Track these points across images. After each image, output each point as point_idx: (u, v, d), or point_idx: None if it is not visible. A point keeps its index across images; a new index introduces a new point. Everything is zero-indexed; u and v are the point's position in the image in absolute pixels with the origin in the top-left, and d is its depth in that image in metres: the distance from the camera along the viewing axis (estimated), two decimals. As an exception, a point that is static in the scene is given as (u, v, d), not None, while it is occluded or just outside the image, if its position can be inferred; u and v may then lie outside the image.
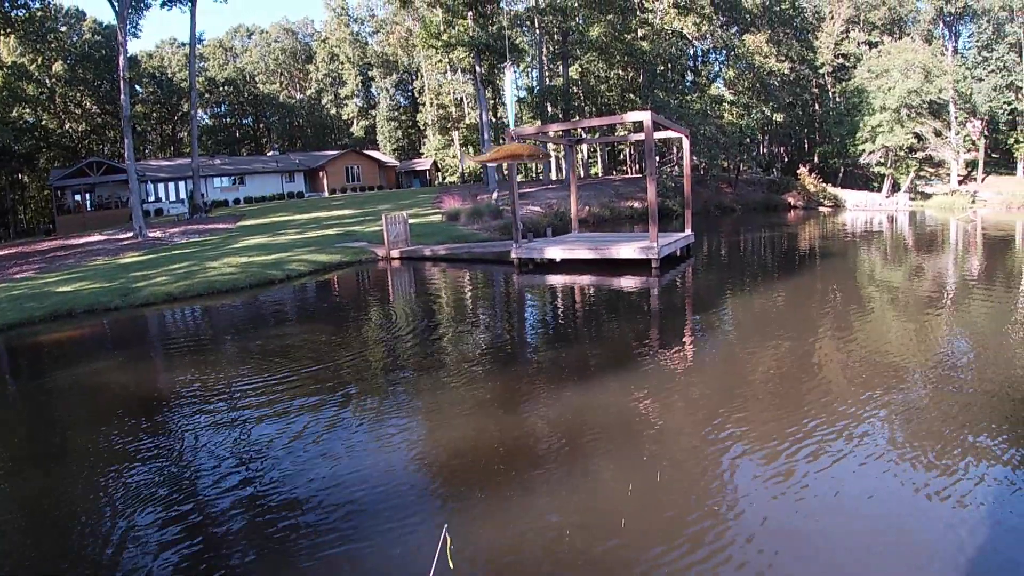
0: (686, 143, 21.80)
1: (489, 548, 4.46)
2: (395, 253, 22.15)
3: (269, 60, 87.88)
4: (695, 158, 42.66)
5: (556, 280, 16.78)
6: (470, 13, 43.15)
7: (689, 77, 51.47)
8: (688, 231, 20.91)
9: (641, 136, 22.14)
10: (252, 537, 4.85)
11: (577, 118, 46.50)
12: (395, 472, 5.81)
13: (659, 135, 22.18)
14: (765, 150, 59.46)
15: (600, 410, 7.24)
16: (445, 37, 42.86)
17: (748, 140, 45.84)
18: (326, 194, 54.84)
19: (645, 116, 16.78)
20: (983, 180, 52.94)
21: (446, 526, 2.44)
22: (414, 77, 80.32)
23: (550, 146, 48.43)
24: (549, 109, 49.77)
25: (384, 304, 15.25)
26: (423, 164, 70.20)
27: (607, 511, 4.97)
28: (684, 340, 10.66)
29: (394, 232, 22.56)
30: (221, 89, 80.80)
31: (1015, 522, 4.60)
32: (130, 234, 31.55)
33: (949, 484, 5.19)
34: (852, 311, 12.64)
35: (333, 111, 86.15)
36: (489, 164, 36.30)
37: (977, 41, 55.03)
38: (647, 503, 5.08)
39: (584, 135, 38.34)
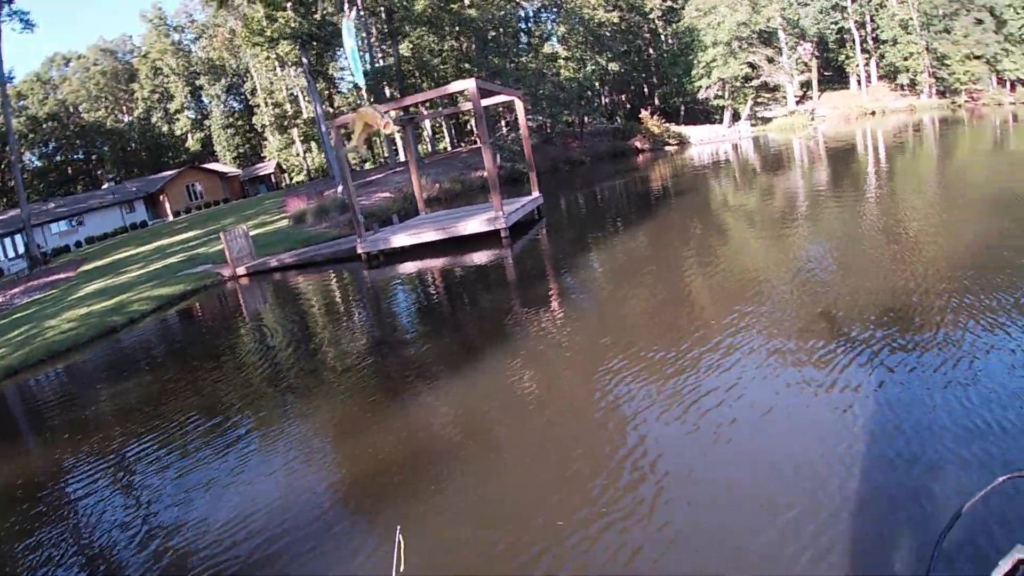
0: (519, 105, 21.52)
1: (434, 547, 4.40)
2: (241, 270, 20.84)
3: (91, 86, 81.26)
4: (539, 117, 42.76)
5: (408, 268, 16.19)
6: (289, 3, 41.27)
7: (523, 39, 51.43)
8: (535, 193, 20.72)
9: (488, 102, 21.76)
10: None
11: (388, 93, 45.63)
12: (322, 494, 5.49)
13: (490, 100, 21.81)
14: (607, 100, 60.50)
15: (489, 388, 7.13)
16: (269, 32, 40.89)
17: (588, 92, 46.43)
18: (170, 218, 51.66)
19: (470, 84, 16.28)
20: (819, 97, 55.88)
21: (399, 527, 2.28)
22: (244, 79, 76.57)
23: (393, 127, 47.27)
24: (387, 91, 48.56)
25: (235, 330, 14.05)
26: (267, 168, 67.29)
27: (524, 485, 4.96)
28: (550, 301, 10.50)
29: (236, 248, 21.21)
30: (45, 126, 74.27)
31: (895, 408, 4.97)
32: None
33: (832, 381, 5.59)
34: (712, 239, 13.01)
35: (165, 128, 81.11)
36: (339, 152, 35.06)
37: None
38: (556, 460, 5.18)
39: (424, 110, 37.63)
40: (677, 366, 6.49)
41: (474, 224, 16.69)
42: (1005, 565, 1.58)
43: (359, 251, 17.64)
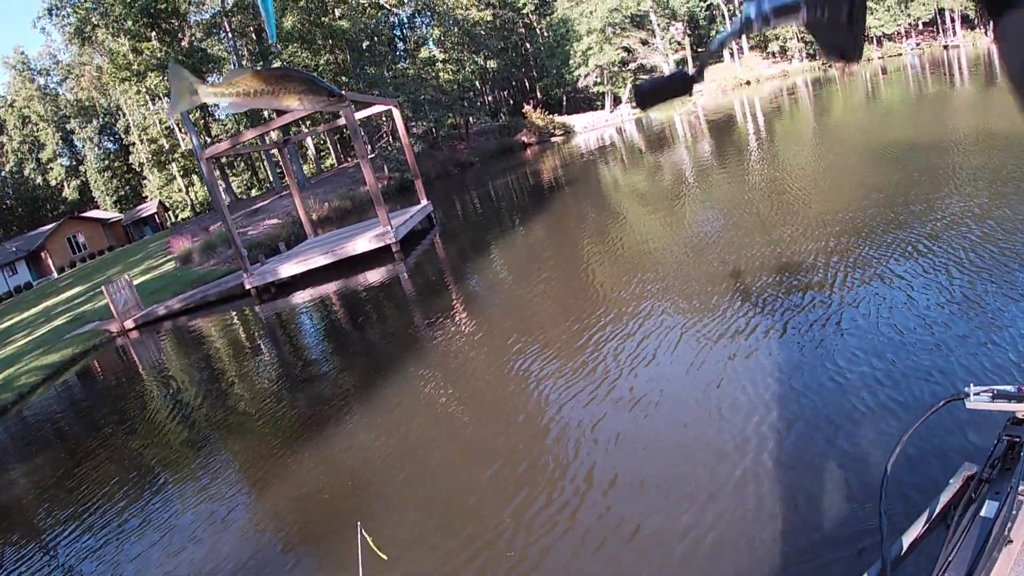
0: (396, 113, 21.37)
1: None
2: (129, 323, 19.99)
3: (-47, 148, 76.30)
4: (423, 123, 42.64)
5: (301, 298, 15.86)
6: (153, 33, 39.85)
7: (399, 46, 51.13)
8: (424, 201, 20.67)
9: (363, 114, 21.56)
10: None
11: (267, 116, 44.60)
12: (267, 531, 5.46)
13: (366, 112, 21.65)
14: (489, 98, 60.82)
15: (407, 403, 7.13)
16: (136, 65, 39.48)
17: (470, 93, 46.61)
18: (55, 275, 48.94)
19: (337, 101, 16.08)
20: (695, 73, 57.35)
21: (359, 523, 2.30)
22: (117, 117, 73.21)
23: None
24: (266, 114, 47.37)
25: (132, 389, 13.17)
26: (149, 208, 64.39)
27: (462, 489, 4.99)
28: (452, 307, 10.58)
29: (121, 301, 20.33)
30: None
31: (813, 361, 5.11)
32: None
33: (740, 338, 5.86)
34: (607, 221, 13.30)
35: (40, 180, 76.82)
36: (210, 171, 33.90)
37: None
38: (490, 459, 5.26)
39: (304, 128, 36.93)
40: (589, 345, 6.72)
41: (363, 242, 16.50)
42: (956, 482, 1.62)
43: (247, 286, 17.20)
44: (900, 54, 51.01)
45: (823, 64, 51.28)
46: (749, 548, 3.35)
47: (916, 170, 10.21)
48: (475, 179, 34.72)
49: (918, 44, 52.74)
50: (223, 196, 43.83)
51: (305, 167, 59.29)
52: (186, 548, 5.59)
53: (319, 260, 16.97)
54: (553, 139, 46.65)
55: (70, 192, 75.81)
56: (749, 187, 12.25)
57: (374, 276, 15.33)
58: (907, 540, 1.71)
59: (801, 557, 3.17)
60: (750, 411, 4.62)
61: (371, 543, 2.28)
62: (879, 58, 49.79)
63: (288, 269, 17.17)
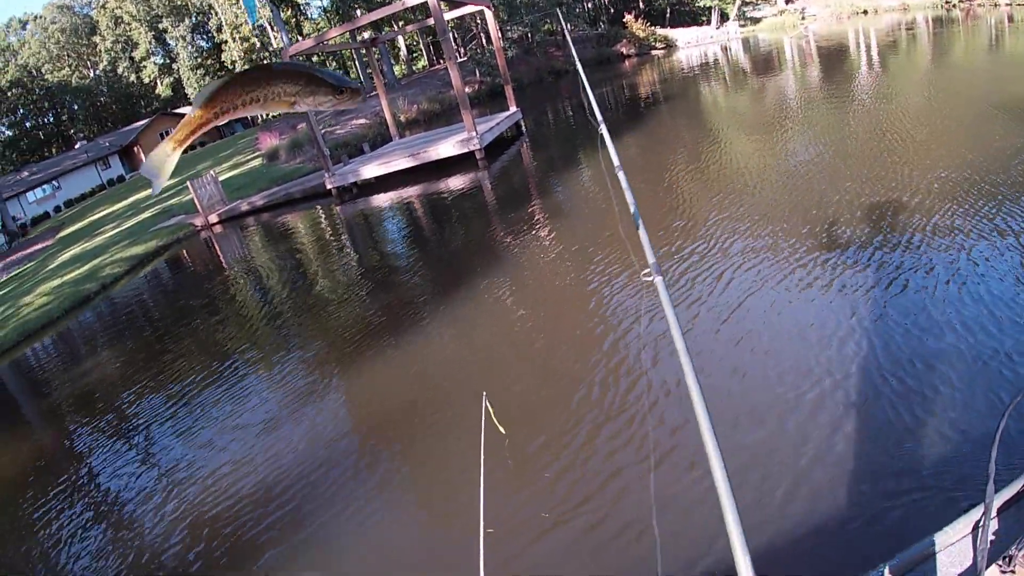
0: (489, 15, 19.97)
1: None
2: (213, 218, 19.85)
3: (51, 46, 78.02)
4: (519, 27, 40.76)
5: (381, 200, 15.26)
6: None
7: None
8: (513, 108, 19.42)
9: (453, 15, 20.32)
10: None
11: (359, 14, 43.12)
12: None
13: (456, 12, 20.37)
14: (589, 5, 57.73)
15: (485, 311, 7.08)
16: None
17: (568, -2, 44.18)
18: (148, 169, 50.17)
19: (426, -4, 14.89)
20: (811, -4, 53.11)
21: (484, 394, 2.18)
22: (209, 16, 73.38)
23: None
24: (358, 11, 46.13)
25: (212, 282, 13.28)
26: (240, 105, 65.07)
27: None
28: (532, 221, 10.05)
29: (206, 196, 20.16)
30: (9, 94, 71.72)
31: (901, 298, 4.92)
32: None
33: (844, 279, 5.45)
34: (702, 141, 12.54)
35: (133, 78, 78.33)
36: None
37: None
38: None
39: (395, 29, 35.73)
40: (676, 269, 6.42)
41: (446, 147, 15.62)
42: None
43: (328, 186, 16.61)
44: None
45: (947, 3, 46.42)
46: (842, 479, 3.36)
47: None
48: (570, 88, 33.09)
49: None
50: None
51: (396, 68, 58.29)
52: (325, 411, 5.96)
53: (401, 163, 16.24)
54: (653, 52, 43.93)
55: (163, 89, 77.18)
56: (855, 122, 11.20)
57: (455, 183, 14.61)
58: (1010, 492, 1.91)
59: (900, 491, 3.16)
60: (848, 343, 4.49)
61: (492, 415, 2.19)
62: (1007, 4, 44.63)
63: (370, 171, 16.46)
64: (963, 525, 2.19)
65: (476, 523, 1.93)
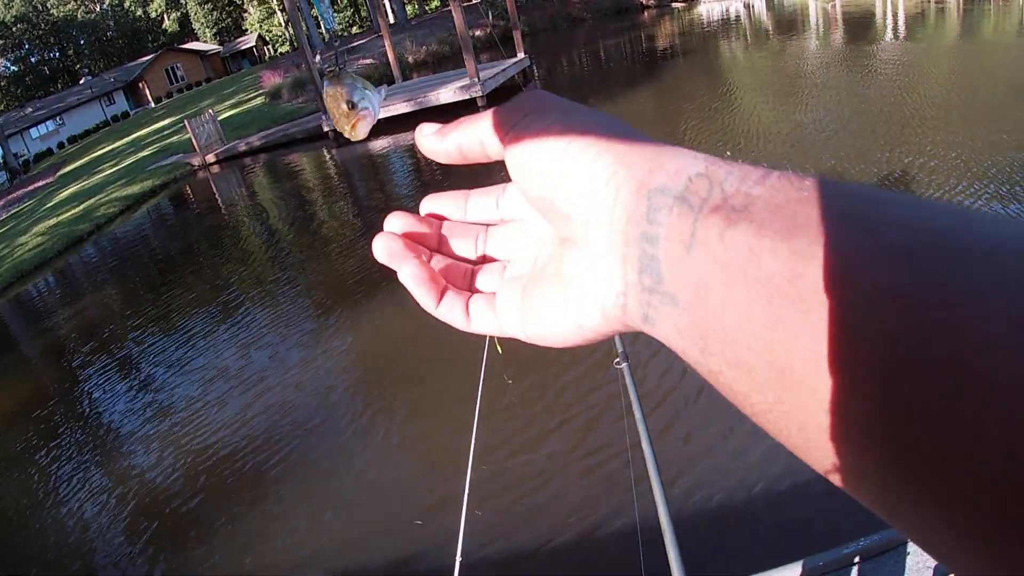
0: (500, -50, 18.98)
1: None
2: (211, 157, 19.27)
3: (57, -19, 76.43)
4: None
5: (378, 145, 14.63)
6: None
7: None
8: (520, 55, 18.40)
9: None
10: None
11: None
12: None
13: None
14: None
15: None
16: None
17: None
18: (152, 105, 49.28)
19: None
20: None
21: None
22: (217, -52, 71.36)
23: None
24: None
25: (205, 223, 13.17)
26: (248, 42, 63.31)
27: None
28: None
29: (203, 135, 19.53)
30: (15, 30, 70.35)
31: None
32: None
33: None
34: (719, 98, 12.27)
35: (140, 12, 76.63)
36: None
37: None
38: None
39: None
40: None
41: (446, 93, 14.90)
42: None
43: (324, 128, 15.96)
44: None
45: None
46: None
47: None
48: (585, 36, 32.08)
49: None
50: (308, 34, 42.21)
51: (409, 7, 56.62)
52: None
53: (402, 106, 15.50)
54: (674, 4, 42.20)
55: (170, 24, 75.48)
56: (873, 92, 10.84)
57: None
58: None
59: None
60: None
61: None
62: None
63: (368, 113, 15.71)
64: None
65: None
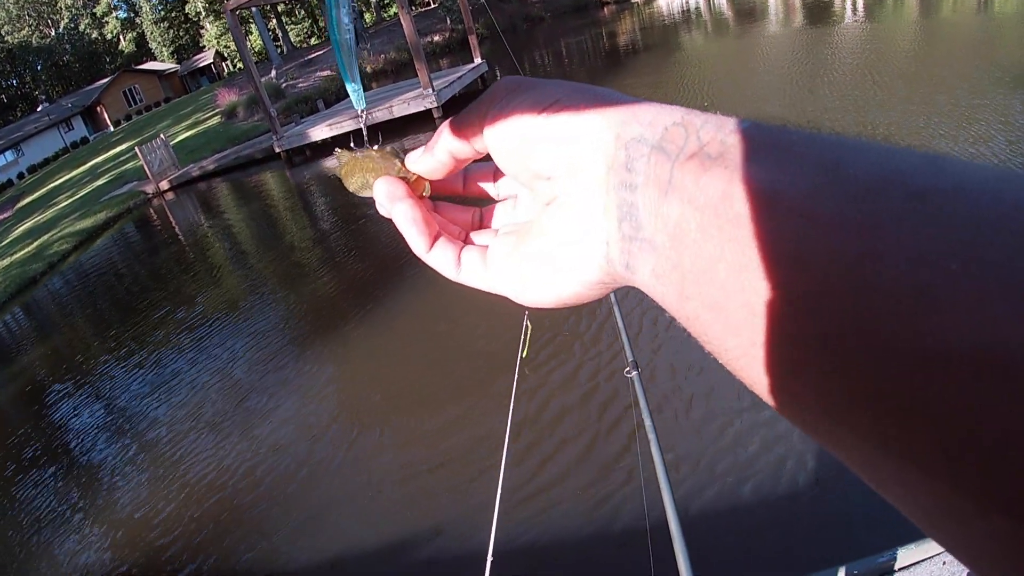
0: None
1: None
2: (165, 184, 18.81)
3: (10, 6, 74.61)
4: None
5: (330, 165, 14.23)
6: None
7: None
8: (477, 60, 18.13)
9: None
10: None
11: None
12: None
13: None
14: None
15: None
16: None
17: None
18: (111, 129, 48.25)
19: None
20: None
21: (527, 313, 2.49)
22: (170, -33, 70.17)
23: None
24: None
25: (160, 256, 12.69)
26: (206, 58, 62.37)
27: None
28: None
29: (156, 161, 19.08)
30: (-31, 59, 68.91)
31: None
32: None
33: None
34: (685, 90, 12.48)
35: (95, 34, 75.31)
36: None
37: None
38: None
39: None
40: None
41: (400, 106, 14.53)
42: None
43: (276, 149, 15.56)
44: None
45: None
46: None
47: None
48: (546, 36, 32.04)
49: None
50: (291, 44, 41.31)
51: (367, 16, 56.10)
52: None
53: (348, 124, 15.02)
54: (632, 0, 42.17)
55: (126, 45, 74.22)
56: (835, 71, 11.12)
57: (412, 145, 13.57)
58: None
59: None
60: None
61: (529, 336, 2.45)
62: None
63: (318, 132, 15.38)
64: None
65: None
